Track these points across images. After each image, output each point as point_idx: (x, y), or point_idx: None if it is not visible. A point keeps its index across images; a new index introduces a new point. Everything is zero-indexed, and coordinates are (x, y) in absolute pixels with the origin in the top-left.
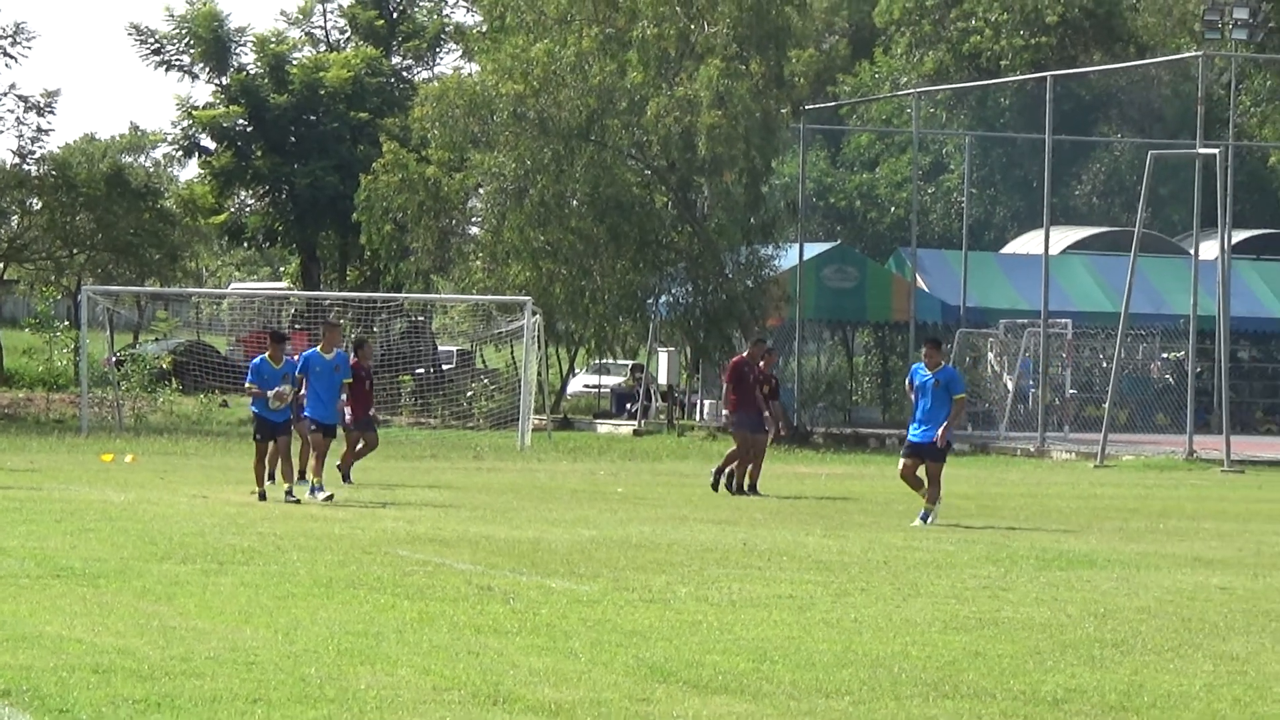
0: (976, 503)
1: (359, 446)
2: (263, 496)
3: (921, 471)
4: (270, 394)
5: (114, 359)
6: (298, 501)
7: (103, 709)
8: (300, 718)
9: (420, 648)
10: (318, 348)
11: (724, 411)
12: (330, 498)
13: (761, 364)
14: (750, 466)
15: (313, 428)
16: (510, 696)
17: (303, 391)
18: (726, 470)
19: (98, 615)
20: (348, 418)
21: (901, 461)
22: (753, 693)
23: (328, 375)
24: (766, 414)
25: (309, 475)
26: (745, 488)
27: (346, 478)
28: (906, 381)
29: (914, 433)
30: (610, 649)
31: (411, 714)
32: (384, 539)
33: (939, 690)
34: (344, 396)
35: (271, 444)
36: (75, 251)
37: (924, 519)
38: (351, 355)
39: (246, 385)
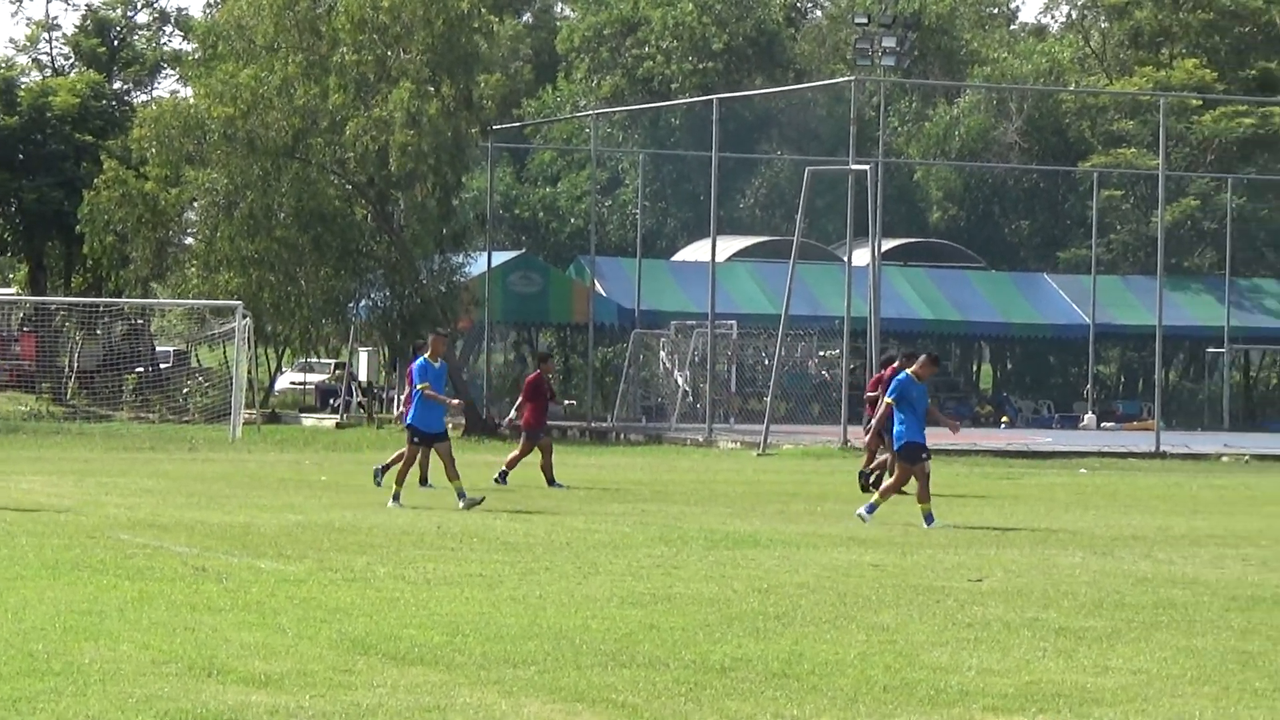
0: (650, 488)
1: (529, 452)
2: None
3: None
4: None
5: None
6: None
7: None
8: (29, 689)
9: (140, 624)
10: (425, 355)
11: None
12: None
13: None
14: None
15: (415, 439)
16: (224, 669)
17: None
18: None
19: None
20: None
21: (922, 467)
22: (446, 663)
23: (438, 384)
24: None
25: (449, 481)
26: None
27: (552, 481)
28: (886, 388)
29: (920, 437)
30: (315, 624)
31: (132, 685)
32: (106, 524)
33: (617, 660)
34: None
35: None
36: None
37: (929, 520)
38: (534, 367)
39: None
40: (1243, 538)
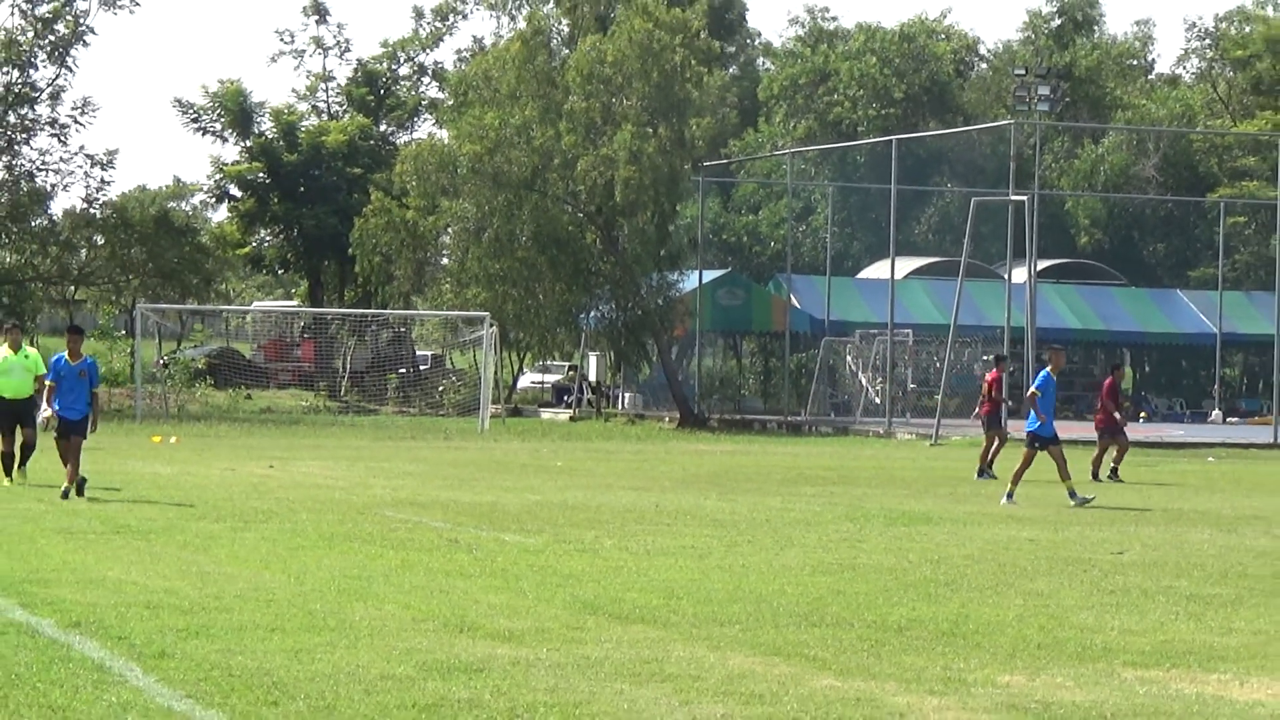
0: (837, 473)
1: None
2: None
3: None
4: (42, 416)
5: (162, 361)
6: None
7: (153, 637)
8: (309, 643)
9: (402, 588)
10: (1048, 368)
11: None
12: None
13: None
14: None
15: (1036, 444)
16: (473, 626)
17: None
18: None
19: (149, 563)
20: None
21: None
22: (663, 622)
23: (1048, 400)
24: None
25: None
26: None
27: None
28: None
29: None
30: (551, 589)
31: (396, 639)
32: (374, 502)
33: (809, 620)
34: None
35: (65, 441)
36: (131, 277)
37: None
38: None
39: (47, 383)
40: None
